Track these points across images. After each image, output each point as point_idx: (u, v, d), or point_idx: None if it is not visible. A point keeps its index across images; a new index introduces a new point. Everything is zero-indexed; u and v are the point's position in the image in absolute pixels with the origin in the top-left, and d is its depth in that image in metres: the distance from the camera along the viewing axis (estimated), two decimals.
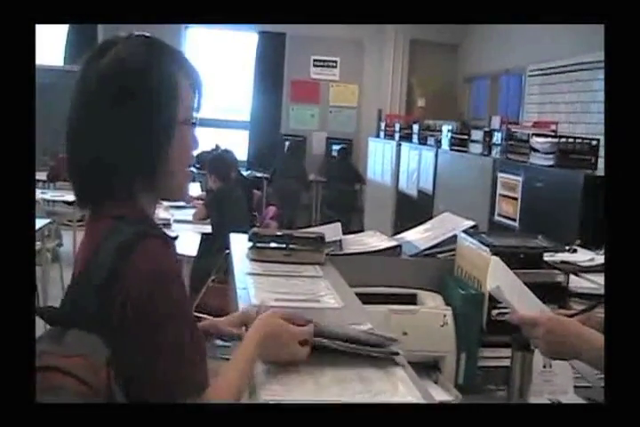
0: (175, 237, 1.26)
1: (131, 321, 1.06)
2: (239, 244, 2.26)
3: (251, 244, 2.12)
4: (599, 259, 2.25)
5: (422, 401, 1.15)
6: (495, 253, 1.89)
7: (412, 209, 6.11)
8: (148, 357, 1.07)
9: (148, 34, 1.24)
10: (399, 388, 1.19)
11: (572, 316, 1.57)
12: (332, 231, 2.26)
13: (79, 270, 1.16)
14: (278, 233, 2.16)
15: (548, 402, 1.81)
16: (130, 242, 1.09)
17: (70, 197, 5.56)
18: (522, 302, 1.53)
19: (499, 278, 1.56)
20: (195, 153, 1.29)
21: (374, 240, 2.33)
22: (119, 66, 1.16)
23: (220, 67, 9.18)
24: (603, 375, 1.60)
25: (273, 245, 2.10)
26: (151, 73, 1.17)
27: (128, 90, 1.15)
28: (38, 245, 4.72)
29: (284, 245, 2.08)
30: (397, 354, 1.34)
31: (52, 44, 8.54)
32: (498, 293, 1.49)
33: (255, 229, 2.21)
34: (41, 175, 6.26)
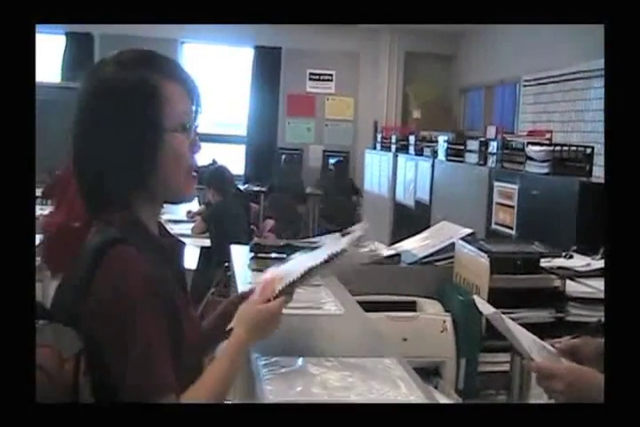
0: (181, 242, 1.41)
1: (99, 321, 1.10)
2: (240, 255, 2.29)
3: (252, 254, 2.15)
4: (595, 264, 2.28)
5: (425, 401, 1.17)
6: (492, 259, 1.92)
7: (410, 220, 6.13)
8: (114, 357, 1.10)
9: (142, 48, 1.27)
10: (401, 388, 1.22)
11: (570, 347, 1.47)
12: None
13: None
14: (280, 243, 2.19)
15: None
16: (102, 246, 1.14)
17: None
18: (519, 332, 1.43)
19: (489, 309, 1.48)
20: (197, 156, 1.29)
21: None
22: (103, 80, 1.21)
23: (217, 82, 9.21)
24: None
25: (274, 255, 2.12)
26: (130, 85, 1.19)
27: (110, 103, 1.19)
28: (38, 260, 4.71)
29: (285, 255, 2.10)
30: None
31: (49, 60, 8.57)
32: (498, 319, 1.41)
33: (257, 240, 2.25)
34: (38, 192, 6.20)
